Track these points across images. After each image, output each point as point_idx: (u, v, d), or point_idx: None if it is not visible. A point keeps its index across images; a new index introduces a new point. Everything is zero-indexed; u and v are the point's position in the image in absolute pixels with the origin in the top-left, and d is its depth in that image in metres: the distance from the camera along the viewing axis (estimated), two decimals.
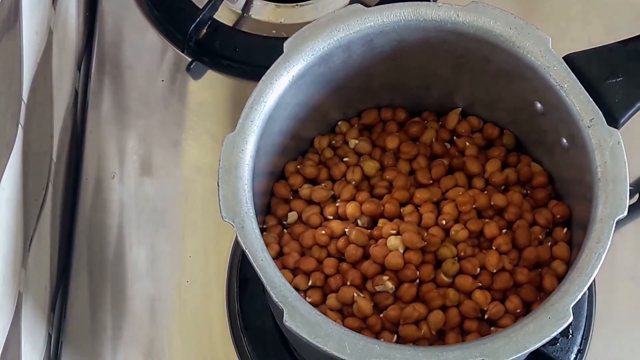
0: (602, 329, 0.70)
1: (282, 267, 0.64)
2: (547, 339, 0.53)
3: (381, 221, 0.66)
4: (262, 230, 0.65)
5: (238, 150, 0.58)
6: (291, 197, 0.68)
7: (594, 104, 0.59)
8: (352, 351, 0.53)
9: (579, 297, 0.54)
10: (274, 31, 0.82)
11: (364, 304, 0.62)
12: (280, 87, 0.61)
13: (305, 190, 0.68)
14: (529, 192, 0.67)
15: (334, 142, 0.70)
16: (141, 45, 0.83)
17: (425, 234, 0.64)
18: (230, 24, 0.83)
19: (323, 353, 0.53)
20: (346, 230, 0.65)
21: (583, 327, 0.69)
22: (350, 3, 0.81)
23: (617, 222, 0.56)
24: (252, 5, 0.84)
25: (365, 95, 0.70)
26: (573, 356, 0.68)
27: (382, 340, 0.61)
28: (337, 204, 0.67)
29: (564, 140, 0.63)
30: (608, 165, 0.57)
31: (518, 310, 0.62)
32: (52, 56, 0.74)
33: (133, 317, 0.72)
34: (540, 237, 0.65)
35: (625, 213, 0.56)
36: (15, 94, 0.64)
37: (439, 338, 0.62)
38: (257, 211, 0.58)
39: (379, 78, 0.68)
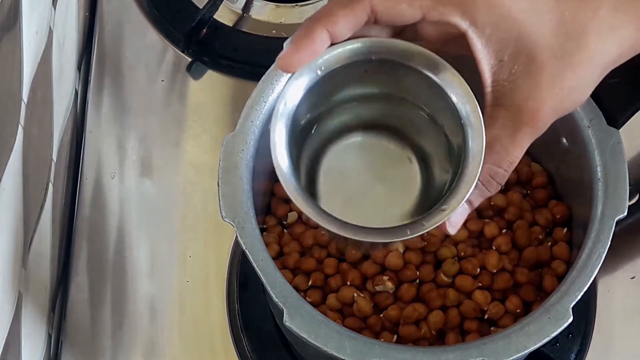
0: (602, 329, 0.70)
1: (282, 267, 0.64)
2: (547, 339, 0.53)
3: None
4: (262, 230, 0.65)
5: (238, 150, 0.58)
6: None
7: (594, 104, 0.59)
8: (352, 351, 0.53)
9: (579, 297, 0.54)
10: (274, 31, 0.82)
11: (364, 304, 0.62)
12: (280, 87, 0.61)
13: None
14: (529, 192, 0.67)
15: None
16: (141, 45, 0.83)
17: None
18: (230, 24, 0.83)
19: (323, 353, 0.53)
20: None
21: (583, 327, 0.69)
22: None
23: (617, 222, 0.56)
24: (252, 5, 0.84)
25: None
26: (573, 356, 0.68)
27: (382, 340, 0.61)
28: None
29: (564, 140, 0.63)
30: (608, 165, 0.58)
31: (518, 311, 0.62)
32: (52, 56, 0.74)
33: (133, 317, 0.72)
34: (540, 237, 0.65)
35: (625, 213, 0.56)
36: (15, 94, 0.64)
37: (439, 338, 0.62)
38: (257, 211, 0.58)
39: None
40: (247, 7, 0.84)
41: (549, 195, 0.67)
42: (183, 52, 0.82)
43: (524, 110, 0.48)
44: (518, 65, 0.48)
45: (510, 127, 0.49)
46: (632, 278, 0.73)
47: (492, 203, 0.65)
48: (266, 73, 0.61)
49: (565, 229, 0.65)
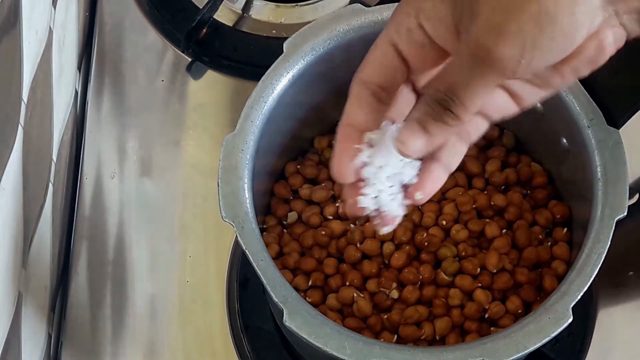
0: (602, 329, 0.70)
1: (282, 267, 0.64)
2: (547, 339, 0.53)
3: None
4: (262, 230, 0.65)
5: (238, 150, 0.58)
6: (291, 197, 0.68)
7: (594, 104, 0.59)
8: (352, 351, 0.53)
9: (579, 297, 0.54)
10: (274, 31, 0.82)
11: (364, 304, 0.62)
12: (280, 87, 0.61)
13: (305, 190, 0.68)
14: (529, 192, 0.67)
15: (334, 142, 0.70)
16: (141, 45, 0.83)
17: (425, 234, 0.64)
18: (230, 24, 0.83)
19: (323, 353, 0.53)
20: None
21: (583, 327, 0.69)
22: (350, 3, 0.81)
23: (617, 222, 0.56)
24: (252, 5, 0.84)
25: None
26: (573, 356, 0.68)
27: (382, 340, 0.61)
28: (337, 204, 0.67)
29: (564, 140, 0.63)
30: (608, 165, 0.58)
31: (519, 311, 0.62)
32: (52, 56, 0.74)
33: (133, 317, 0.72)
34: (540, 237, 0.65)
35: (625, 213, 0.56)
36: (15, 94, 0.64)
37: (439, 338, 0.62)
38: (257, 211, 0.58)
39: None
40: (247, 7, 0.84)
41: (549, 195, 0.67)
42: (183, 52, 0.82)
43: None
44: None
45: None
46: (631, 275, 0.73)
47: (492, 203, 0.66)
48: (266, 73, 0.61)
49: (565, 229, 0.65)
